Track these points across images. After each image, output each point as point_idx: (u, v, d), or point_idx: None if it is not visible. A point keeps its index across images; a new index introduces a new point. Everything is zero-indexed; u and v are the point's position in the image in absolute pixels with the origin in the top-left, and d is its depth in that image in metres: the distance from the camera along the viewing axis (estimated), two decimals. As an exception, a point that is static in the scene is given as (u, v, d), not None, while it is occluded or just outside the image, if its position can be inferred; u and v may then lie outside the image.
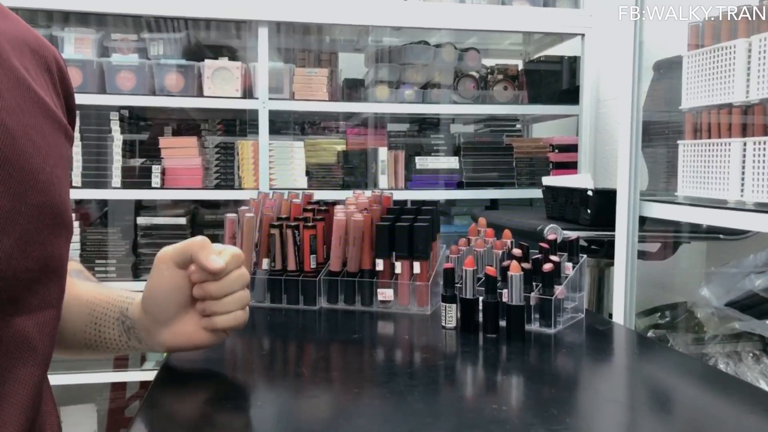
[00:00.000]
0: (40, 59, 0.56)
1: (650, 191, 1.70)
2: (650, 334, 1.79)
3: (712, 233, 1.75)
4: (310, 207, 1.08)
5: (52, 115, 0.54)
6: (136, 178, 2.20)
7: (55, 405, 0.59)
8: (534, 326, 0.86)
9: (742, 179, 1.30)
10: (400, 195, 2.32)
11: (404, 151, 2.46)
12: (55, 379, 2.09)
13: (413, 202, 2.35)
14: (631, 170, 1.55)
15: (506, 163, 2.51)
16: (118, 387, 2.40)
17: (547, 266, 0.85)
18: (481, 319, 0.85)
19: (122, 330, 0.67)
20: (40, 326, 0.51)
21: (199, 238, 0.63)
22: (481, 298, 0.85)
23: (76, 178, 2.16)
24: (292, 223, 1.01)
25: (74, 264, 0.74)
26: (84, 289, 0.69)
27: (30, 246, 0.49)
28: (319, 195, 2.11)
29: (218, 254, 0.63)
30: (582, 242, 1.73)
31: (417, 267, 0.97)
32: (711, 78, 1.38)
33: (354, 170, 2.40)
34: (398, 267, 0.97)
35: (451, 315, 0.86)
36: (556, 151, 2.55)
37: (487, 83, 2.55)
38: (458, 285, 0.87)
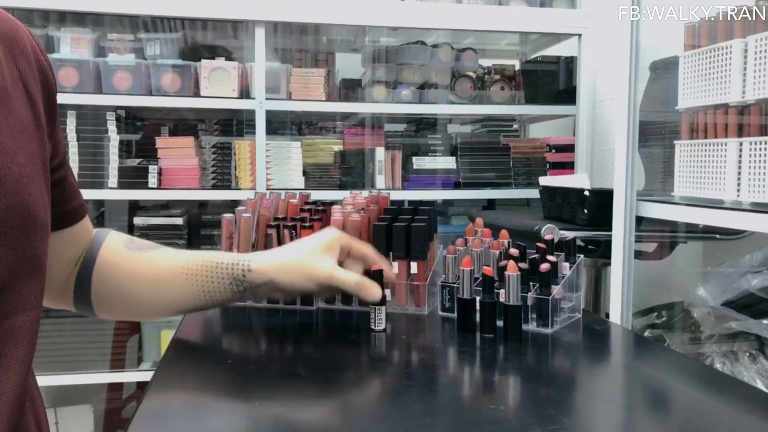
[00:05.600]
0: (9, 49, 0.53)
1: (647, 191, 1.70)
2: (647, 333, 1.80)
3: (708, 233, 1.76)
4: (307, 207, 1.08)
5: (20, 109, 0.52)
6: (133, 178, 2.20)
7: (44, 408, 0.58)
8: (531, 326, 0.86)
9: (739, 179, 1.30)
10: (397, 195, 2.32)
11: (401, 151, 2.46)
12: (52, 380, 2.09)
13: (410, 202, 2.35)
14: (627, 170, 1.55)
15: (503, 164, 2.51)
16: (115, 388, 2.39)
17: (544, 266, 0.85)
18: (478, 319, 0.85)
19: (233, 292, 0.76)
20: (17, 331, 0.50)
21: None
22: (478, 298, 0.85)
23: (73, 179, 2.15)
24: (289, 224, 1.01)
25: (120, 235, 0.77)
26: (175, 262, 0.75)
27: None
28: (316, 195, 2.10)
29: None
30: (579, 242, 1.73)
31: (414, 267, 0.96)
32: (707, 78, 1.38)
33: (351, 170, 2.40)
34: (395, 267, 0.97)
35: (381, 318, 0.87)
36: (553, 151, 2.55)
37: (484, 83, 2.55)
38: (455, 285, 0.87)
